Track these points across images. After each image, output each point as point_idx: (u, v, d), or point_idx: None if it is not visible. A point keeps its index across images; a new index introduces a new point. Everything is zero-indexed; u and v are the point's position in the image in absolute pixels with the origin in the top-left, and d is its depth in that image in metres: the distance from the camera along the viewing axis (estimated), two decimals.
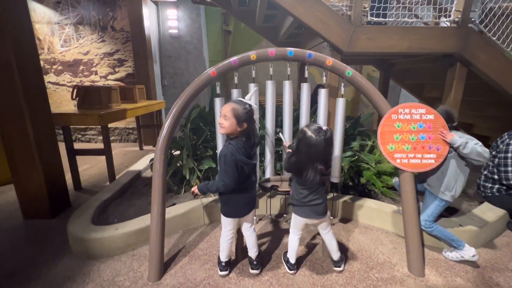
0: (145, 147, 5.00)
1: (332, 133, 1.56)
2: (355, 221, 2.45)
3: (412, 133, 1.86)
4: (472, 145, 1.71)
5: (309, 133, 1.50)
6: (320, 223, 1.71)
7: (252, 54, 1.91)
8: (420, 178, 2.07)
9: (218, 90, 2.03)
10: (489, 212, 2.23)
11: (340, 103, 2.07)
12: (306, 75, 2.12)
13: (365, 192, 2.64)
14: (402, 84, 4.03)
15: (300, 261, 1.90)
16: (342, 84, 2.08)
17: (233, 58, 1.90)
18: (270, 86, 2.10)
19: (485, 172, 2.42)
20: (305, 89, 2.11)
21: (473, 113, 3.59)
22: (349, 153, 2.63)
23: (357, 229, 2.32)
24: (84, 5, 4.83)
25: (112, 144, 5.29)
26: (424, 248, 2.06)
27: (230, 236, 1.73)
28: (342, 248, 2.06)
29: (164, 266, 1.84)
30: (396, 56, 3.25)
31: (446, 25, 2.37)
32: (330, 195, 2.45)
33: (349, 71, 1.92)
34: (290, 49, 1.93)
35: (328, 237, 1.75)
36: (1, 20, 2.03)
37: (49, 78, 5.13)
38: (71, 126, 5.16)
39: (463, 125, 3.96)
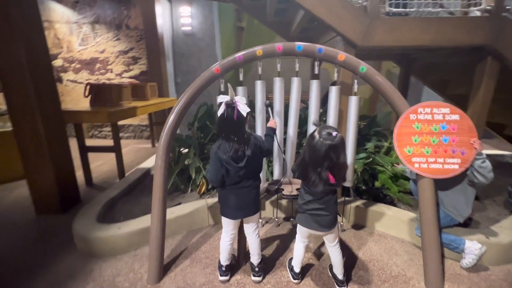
0: (157, 144, 5.03)
1: (343, 140, 1.40)
2: (368, 228, 2.29)
3: (433, 135, 1.68)
4: (487, 160, 1.62)
5: (316, 134, 1.40)
6: (326, 235, 1.59)
7: (258, 50, 1.81)
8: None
9: (222, 88, 1.95)
10: None
11: (353, 101, 1.92)
12: (317, 71, 1.98)
13: (379, 196, 2.46)
14: (424, 81, 3.74)
15: (306, 269, 1.79)
16: (356, 81, 1.93)
17: (238, 54, 1.81)
18: (278, 83, 1.99)
19: None
20: (315, 86, 1.98)
21: (505, 112, 3.26)
22: (362, 155, 2.46)
23: (370, 236, 2.17)
24: (100, 4, 4.92)
25: (126, 141, 5.41)
26: (444, 261, 1.88)
27: (229, 237, 1.66)
28: (353, 257, 1.92)
29: (165, 268, 1.80)
30: (418, 50, 3.00)
31: (476, 15, 2.14)
32: (341, 199, 2.31)
33: (363, 66, 1.76)
34: (299, 44, 1.80)
35: (334, 251, 1.61)
36: (12, 20, 2.06)
37: (68, 76, 5.31)
38: (88, 123, 5.32)
39: (494, 125, 3.62)
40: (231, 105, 1.41)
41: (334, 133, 1.36)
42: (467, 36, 2.07)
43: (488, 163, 1.59)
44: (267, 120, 1.90)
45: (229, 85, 1.52)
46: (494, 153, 3.99)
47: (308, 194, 1.51)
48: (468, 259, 1.76)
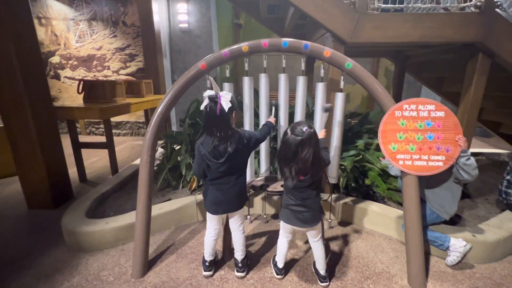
0: None
1: (312, 134, 1.37)
2: (356, 225, 2.29)
3: (418, 131, 1.67)
4: (472, 158, 1.60)
5: (288, 129, 1.42)
6: (308, 231, 1.59)
7: (244, 46, 1.80)
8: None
9: (208, 84, 1.95)
10: (510, 222, 1.99)
11: (339, 98, 1.92)
12: (303, 67, 1.98)
13: (369, 194, 2.46)
14: (419, 78, 3.71)
15: (290, 265, 1.80)
16: (342, 77, 1.92)
17: (224, 50, 1.81)
18: (263, 79, 1.99)
19: (508, 177, 2.16)
20: (301, 82, 1.97)
21: (501, 110, 3.22)
22: (352, 152, 2.45)
23: (357, 234, 2.17)
24: (97, 1, 4.93)
25: (123, 138, 5.44)
26: (429, 258, 1.88)
27: (213, 233, 1.67)
28: (338, 254, 1.93)
29: (150, 262, 1.82)
30: (410, 47, 2.98)
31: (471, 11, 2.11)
32: (328, 196, 2.31)
33: (349, 63, 1.75)
34: (285, 40, 1.79)
35: (316, 246, 1.61)
36: (2, 15, 2.07)
37: (65, 73, 5.33)
38: (85, 120, 5.35)
39: (489, 124, 3.59)
40: (214, 99, 1.41)
41: (304, 129, 1.37)
42: (457, 32, 2.05)
43: (472, 160, 1.58)
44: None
45: (211, 78, 1.53)
46: (490, 151, 3.95)
47: (286, 189, 1.51)
48: (453, 257, 1.75)
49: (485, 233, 1.87)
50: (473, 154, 1.62)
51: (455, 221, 2.09)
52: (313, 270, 1.73)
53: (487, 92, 2.37)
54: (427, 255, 1.88)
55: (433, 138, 1.65)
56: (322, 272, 1.63)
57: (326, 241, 2.04)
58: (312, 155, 1.35)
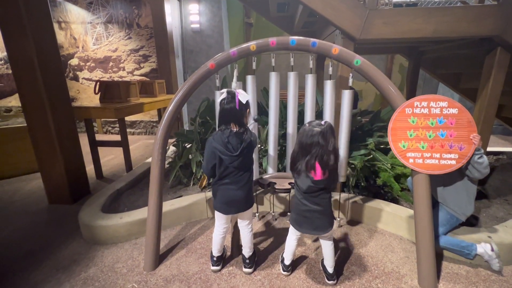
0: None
1: (331, 128, 1.44)
2: (366, 224, 2.26)
3: (429, 129, 1.63)
4: (485, 156, 1.57)
5: (306, 124, 1.48)
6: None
7: (252, 45, 1.83)
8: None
9: (217, 83, 1.98)
10: None
11: (346, 95, 1.90)
12: (311, 65, 1.97)
13: (380, 193, 2.41)
14: (434, 75, 3.59)
15: (298, 262, 1.81)
16: (351, 74, 1.90)
17: (232, 49, 1.84)
18: (273, 78, 2.00)
19: None
20: (310, 80, 1.97)
21: None
22: (362, 151, 2.41)
23: (367, 233, 2.14)
24: (113, 4, 5.10)
25: (137, 136, 5.60)
26: (442, 259, 1.83)
27: (222, 231, 1.70)
28: (347, 252, 1.91)
29: (161, 256, 1.88)
30: (424, 42, 2.89)
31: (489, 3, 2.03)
32: (338, 195, 2.29)
33: (358, 59, 1.73)
34: (293, 38, 1.80)
35: (325, 242, 1.61)
36: (24, 21, 2.20)
37: (83, 74, 5.56)
38: (102, 120, 5.55)
39: (511, 121, 3.42)
40: (232, 93, 1.48)
41: (323, 122, 1.44)
42: (473, 26, 1.98)
43: (485, 159, 1.53)
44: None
45: (235, 72, 1.57)
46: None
47: (297, 191, 1.52)
48: (495, 264, 1.68)
49: (502, 235, 1.80)
50: (494, 153, 1.57)
51: (472, 222, 2.02)
52: (321, 268, 1.73)
53: (507, 88, 2.27)
54: (440, 256, 1.84)
55: (446, 135, 1.60)
56: (330, 270, 1.62)
57: (335, 239, 2.02)
58: (335, 147, 1.40)
